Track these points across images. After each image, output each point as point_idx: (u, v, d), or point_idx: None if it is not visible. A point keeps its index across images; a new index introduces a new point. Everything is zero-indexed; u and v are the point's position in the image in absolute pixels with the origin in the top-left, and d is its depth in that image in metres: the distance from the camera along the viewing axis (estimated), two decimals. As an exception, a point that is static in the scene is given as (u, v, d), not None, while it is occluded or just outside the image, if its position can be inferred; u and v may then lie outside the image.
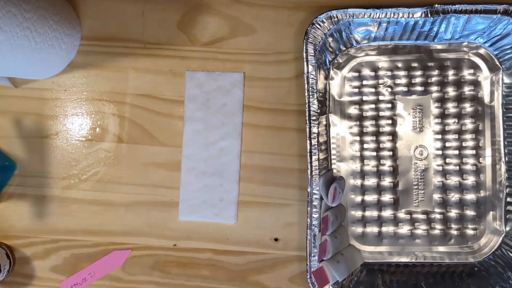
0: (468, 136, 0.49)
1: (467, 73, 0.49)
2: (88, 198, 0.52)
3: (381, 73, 0.50)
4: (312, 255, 0.47)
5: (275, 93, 0.51)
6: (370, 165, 0.50)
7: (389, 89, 0.50)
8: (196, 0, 0.51)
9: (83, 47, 0.52)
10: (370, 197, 0.50)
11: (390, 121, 0.50)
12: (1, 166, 0.51)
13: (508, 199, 0.48)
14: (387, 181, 0.50)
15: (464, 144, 0.49)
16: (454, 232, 0.49)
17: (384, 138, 0.50)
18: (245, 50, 0.51)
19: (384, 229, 0.50)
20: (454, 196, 0.49)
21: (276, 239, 0.51)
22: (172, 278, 0.51)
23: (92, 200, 0.52)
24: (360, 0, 0.49)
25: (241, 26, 0.51)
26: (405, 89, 0.50)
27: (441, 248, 0.49)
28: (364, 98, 0.50)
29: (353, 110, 0.50)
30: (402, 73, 0.50)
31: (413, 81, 0.50)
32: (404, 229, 0.50)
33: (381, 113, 0.50)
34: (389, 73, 0.50)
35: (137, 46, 0.51)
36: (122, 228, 0.52)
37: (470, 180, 0.49)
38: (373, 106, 0.50)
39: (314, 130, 0.46)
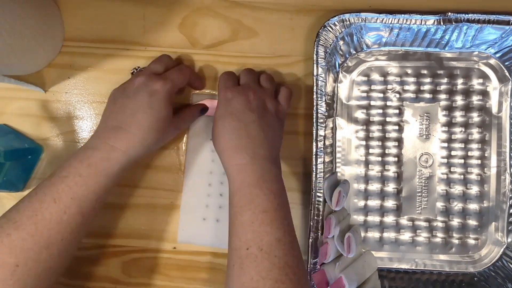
0: (474, 145, 0.49)
1: (476, 83, 0.49)
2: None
3: (390, 78, 0.50)
4: (313, 258, 0.47)
5: (275, 97, 0.50)
6: (375, 170, 0.50)
7: (397, 95, 0.50)
8: (197, 3, 0.50)
9: (84, 49, 0.51)
10: (373, 202, 0.50)
11: (396, 127, 0.50)
12: (28, 149, 0.51)
13: (511, 211, 0.48)
14: (391, 187, 0.50)
15: (469, 153, 0.49)
16: (456, 241, 0.49)
17: (390, 143, 0.50)
18: (246, 53, 0.51)
19: (385, 234, 0.50)
20: (457, 205, 0.49)
21: (277, 241, 0.50)
22: (171, 280, 0.51)
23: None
24: (360, 3, 0.49)
25: (243, 29, 0.50)
26: (413, 95, 0.49)
27: (442, 257, 0.49)
28: (372, 102, 0.50)
29: (360, 114, 0.50)
30: (411, 79, 0.49)
31: (421, 88, 0.49)
32: (406, 236, 0.50)
33: (388, 119, 0.50)
34: (398, 79, 0.50)
35: (138, 49, 0.51)
36: (123, 231, 0.51)
37: (474, 190, 0.49)
38: (380, 111, 0.50)
39: (321, 132, 0.46)
